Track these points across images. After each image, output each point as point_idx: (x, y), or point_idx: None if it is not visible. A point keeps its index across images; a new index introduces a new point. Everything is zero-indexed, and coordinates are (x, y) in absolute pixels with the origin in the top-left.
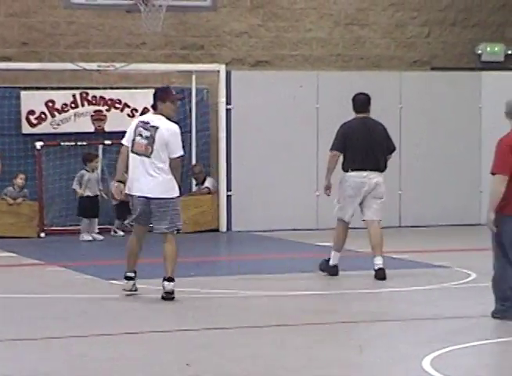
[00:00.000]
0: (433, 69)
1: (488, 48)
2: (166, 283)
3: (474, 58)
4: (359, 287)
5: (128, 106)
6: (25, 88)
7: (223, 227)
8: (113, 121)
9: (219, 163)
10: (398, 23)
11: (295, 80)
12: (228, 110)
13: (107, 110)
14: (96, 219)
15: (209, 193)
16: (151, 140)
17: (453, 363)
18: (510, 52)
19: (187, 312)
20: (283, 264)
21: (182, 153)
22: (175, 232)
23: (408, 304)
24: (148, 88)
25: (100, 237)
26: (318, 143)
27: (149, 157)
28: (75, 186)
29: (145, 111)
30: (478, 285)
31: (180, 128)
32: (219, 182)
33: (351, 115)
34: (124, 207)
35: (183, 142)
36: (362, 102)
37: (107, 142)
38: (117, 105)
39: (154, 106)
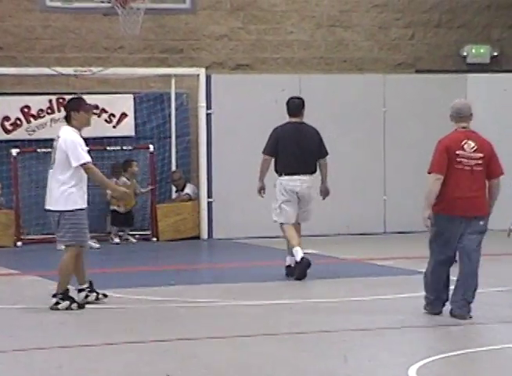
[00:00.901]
0: (417, 71)
1: (474, 50)
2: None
3: (459, 60)
4: (343, 295)
5: (106, 112)
6: (0, 94)
7: (204, 234)
8: (90, 127)
9: (199, 169)
10: (382, 24)
11: (277, 83)
12: (208, 115)
13: None
14: None
15: (189, 200)
16: (54, 151)
17: (439, 372)
18: (495, 54)
19: (168, 322)
20: (266, 272)
21: (84, 160)
22: (75, 245)
23: (392, 312)
24: (126, 93)
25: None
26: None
27: (52, 168)
28: None
29: (122, 117)
30: None
31: (159, 133)
32: (200, 189)
33: (334, 119)
34: (120, 214)
35: (163, 147)
36: (296, 106)
37: None
38: (95, 110)
39: (67, 117)
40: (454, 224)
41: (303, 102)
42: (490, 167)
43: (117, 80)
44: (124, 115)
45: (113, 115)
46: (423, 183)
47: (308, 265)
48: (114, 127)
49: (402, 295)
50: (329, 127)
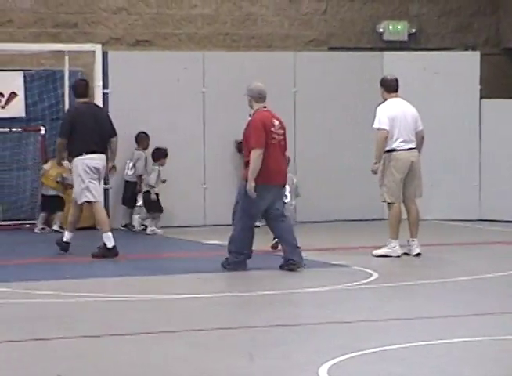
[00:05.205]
0: (330, 49)
1: (391, 27)
2: None
3: (375, 37)
4: (253, 289)
5: None
6: None
7: None
8: None
9: None
10: None
11: (179, 61)
12: (105, 95)
13: None
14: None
15: None
16: None
17: (352, 371)
18: (414, 31)
19: (60, 319)
20: (167, 264)
21: None
22: None
23: (304, 307)
24: (15, 70)
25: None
26: (204, 131)
27: None
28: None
29: (11, 96)
30: (381, 286)
31: (51, 114)
32: None
33: (239, 100)
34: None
35: (56, 129)
36: (83, 87)
37: None
38: None
39: None
40: (271, 192)
41: (88, 83)
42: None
43: (5, 56)
44: (13, 94)
45: (2, 94)
46: (338, 168)
47: (117, 254)
48: (3, 107)
49: (313, 289)
50: (234, 109)
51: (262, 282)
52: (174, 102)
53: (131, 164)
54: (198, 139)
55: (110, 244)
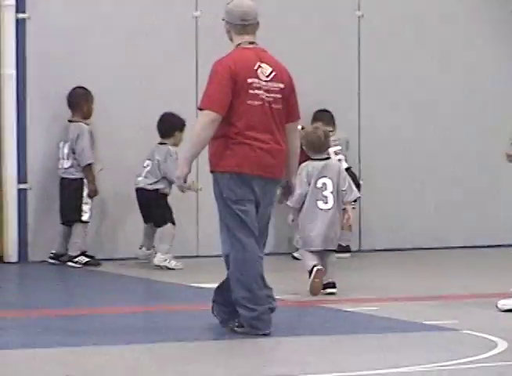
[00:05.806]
0: None
1: None
2: None
3: None
4: (286, 371)
5: None
6: None
7: (13, 255)
8: None
9: (2, 128)
10: None
11: None
12: (20, 22)
13: None
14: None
15: None
16: None
17: None
18: None
19: None
20: (134, 324)
21: None
22: None
23: None
24: None
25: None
26: (198, 89)
27: None
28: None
29: None
30: None
31: None
32: (2, 166)
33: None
34: None
35: None
36: None
37: None
38: None
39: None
40: (254, 189)
41: None
42: (288, 104)
43: None
44: None
45: None
46: (435, 154)
47: None
48: None
49: (401, 370)
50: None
51: (301, 356)
52: (143, 36)
53: (66, 150)
54: (188, 105)
55: None
